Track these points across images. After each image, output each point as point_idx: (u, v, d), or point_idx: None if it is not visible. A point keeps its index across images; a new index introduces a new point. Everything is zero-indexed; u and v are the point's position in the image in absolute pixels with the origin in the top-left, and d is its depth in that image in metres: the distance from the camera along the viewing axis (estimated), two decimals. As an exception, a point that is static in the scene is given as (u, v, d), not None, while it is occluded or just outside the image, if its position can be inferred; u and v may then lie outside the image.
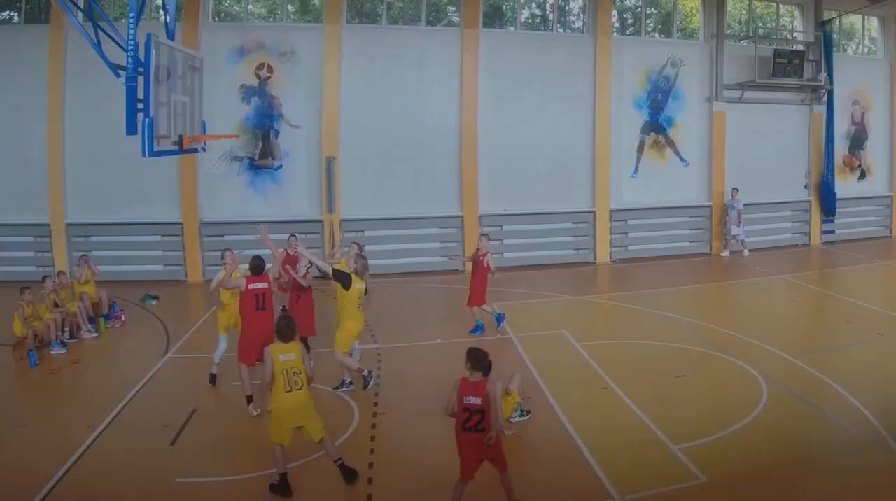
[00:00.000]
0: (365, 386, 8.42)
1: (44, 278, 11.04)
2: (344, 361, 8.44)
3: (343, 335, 8.39)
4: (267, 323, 7.62)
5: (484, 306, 10.72)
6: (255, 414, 7.68)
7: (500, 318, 10.80)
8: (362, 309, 8.47)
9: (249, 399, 7.83)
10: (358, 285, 8.25)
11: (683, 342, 10.28)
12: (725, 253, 17.51)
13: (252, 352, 7.65)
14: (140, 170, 13.84)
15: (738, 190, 17.33)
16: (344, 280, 8.23)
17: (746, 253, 17.36)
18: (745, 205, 18.09)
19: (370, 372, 8.56)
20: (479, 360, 5.56)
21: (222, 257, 9.59)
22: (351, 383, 8.56)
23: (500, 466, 5.68)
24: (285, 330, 6.22)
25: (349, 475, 6.26)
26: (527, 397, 8.19)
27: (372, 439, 7.20)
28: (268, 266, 8.36)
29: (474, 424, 5.50)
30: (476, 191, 16.15)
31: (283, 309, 10.37)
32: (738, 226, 17.22)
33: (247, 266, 8.33)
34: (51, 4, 14.29)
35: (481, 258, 10.66)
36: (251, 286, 7.88)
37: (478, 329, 10.77)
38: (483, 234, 11.74)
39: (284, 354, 6.08)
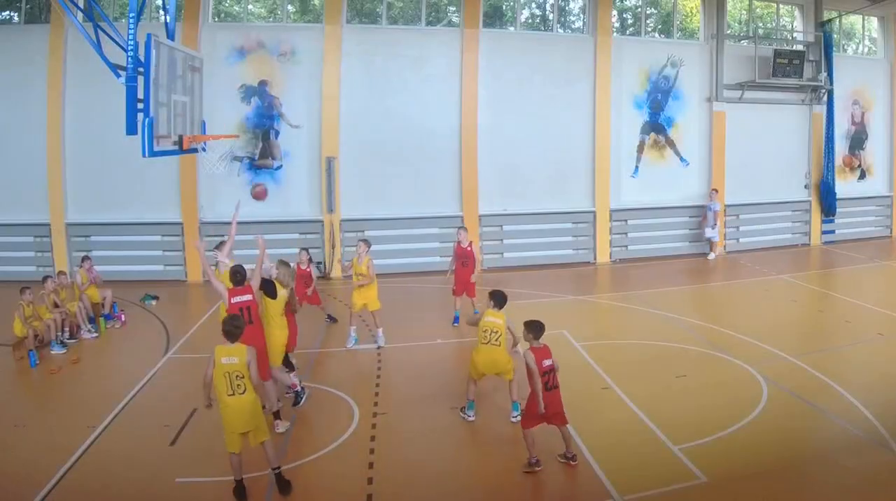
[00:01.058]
0: (295, 403, 7.93)
1: (44, 278, 11.05)
2: (279, 376, 7.81)
3: (274, 348, 7.71)
4: (258, 335, 7.26)
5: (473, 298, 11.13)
6: (281, 430, 7.34)
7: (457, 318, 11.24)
8: (285, 317, 7.91)
9: (276, 414, 7.48)
10: (282, 293, 7.76)
11: (683, 342, 10.29)
12: (712, 256, 17.26)
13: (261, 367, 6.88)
14: (140, 170, 13.89)
15: (717, 191, 17.18)
16: (269, 289, 7.69)
17: (713, 256, 17.13)
18: (743, 205, 18.19)
19: (303, 388, 8.07)
20: (539, 329, 6.49)
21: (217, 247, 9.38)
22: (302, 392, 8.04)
23: (562, 420, 6.56)
24: (231, 330, 6.02)
25: (283, 486, 6.10)
26: (527, 397, 8.19)
27: (372, 439, 7.20)
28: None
29: (553, 383, 6.43)
30: (476, 191, 16.16)
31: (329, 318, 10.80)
32: (713, 228, 16.98)
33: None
34: (51, 4, 14.30)
35: (469, 249, 11.01)
36: (234, 300, 7.29)
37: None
38: (461, 227, 12.05)
39: (227, 357, 5.91)
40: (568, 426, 6.62)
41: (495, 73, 16.24)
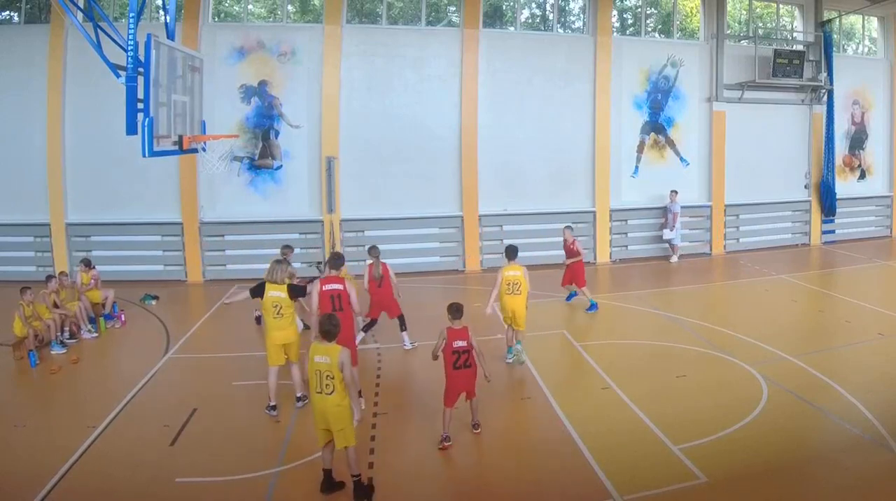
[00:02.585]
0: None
1: (47, 278, 11.05)
2: (269, 380, 7.87)
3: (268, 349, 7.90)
4: (346, 324, 7.37)
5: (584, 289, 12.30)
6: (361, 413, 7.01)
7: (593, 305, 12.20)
8: (280, 318, 7.70)
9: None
10: (271, 293, 7.65)
11: (683, 342, 10.29)
12: (674, 259, 16.95)
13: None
14: (140, 171, 13.93)
15: (676, 192, 16.84)
16: (259, 291, 7.78)
17: (675, 258, 16.89)
18: (743, 205, 18.18)
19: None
20: (458, 311, 7.09)
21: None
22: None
23: (472, 394, 7.15)
24: (329, 330, 5.98)
25: (361, 493, 6.00)
26: (527, 397, 8.21)
27: (372, 439, 7.20)
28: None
29: (462, 362, 6.92)
30: (476, 190, 16.16)
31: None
32: (672, 230, 16.73)
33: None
34: (51, 4, 14.29)
35: (573, 246, 12.39)
36: (325, 288, 7.82)
37: (592, 306, 12.15)
38: (567, 226, 13.02)
39: (321, 355, 5.91)
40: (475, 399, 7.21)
41: (495, 73, 16.25)
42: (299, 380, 7.89)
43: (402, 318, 10.29)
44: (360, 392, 7.07)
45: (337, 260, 8.26)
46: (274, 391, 7.84)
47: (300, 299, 8.11)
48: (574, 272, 12.34)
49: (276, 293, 7.64)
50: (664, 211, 17.05)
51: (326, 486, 6.11)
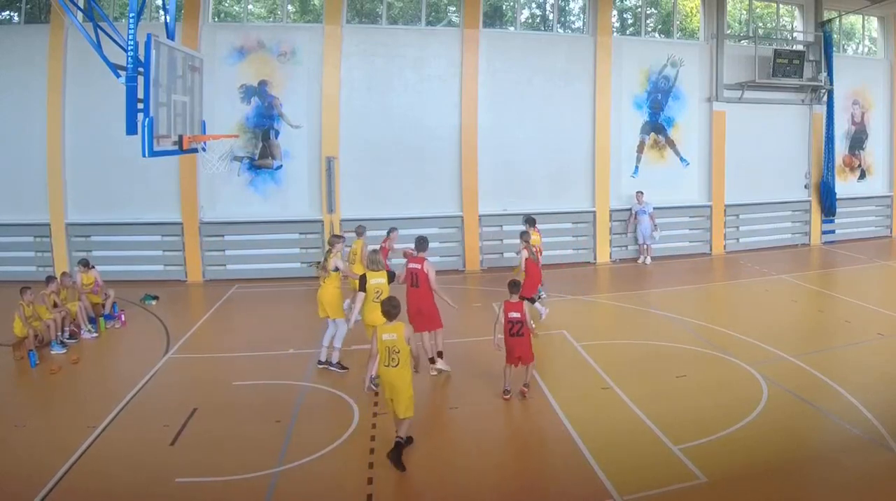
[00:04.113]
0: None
1: (47, 279, 11.04)
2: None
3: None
4: (424, 296, 8.89)
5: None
6: (434, 373, 8.87)
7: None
8: (378, 302, 8.35)
9: (431, 360, 8.98)
10: (373, 281, 8.57)
11: (683, 342, 10.29)
12: (645, 260, 16.78)
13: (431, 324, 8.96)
14: (140, 170, 13.92)
15: (643, 192, 16.73)
16: (363, 284, 8.66)
17: (648, 260, 16.74)
18: (743, 205, 18.18)
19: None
20: (515, 286, 8.22)
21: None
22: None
23: (527, 359, 8.13)
24: (390, 310, 6.76)
25: (397, 459, 6.54)
26: (527, 397, 8.21)
27: (372, 439, 7.20)
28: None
29: (516, 331, 7.97)
30: (476, 190, 16.16)
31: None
32: (656, 231, 16.57)
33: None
34: (51, 4, 14.30)
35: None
36: (410, 266, 9.04)
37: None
38: (527, 222, 12.72)
39: (388, 333, 6.65)
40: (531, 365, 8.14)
41: (495, 73, 16.25)
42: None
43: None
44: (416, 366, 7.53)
45: (422, 242, 9.26)
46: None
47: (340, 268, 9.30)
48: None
49: (378, 280, 8.56)
50: (635, 214, 16.75)
51: (396, 456, 6.64)
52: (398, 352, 6.61)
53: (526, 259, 11.07)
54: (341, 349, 9.32)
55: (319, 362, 9.36)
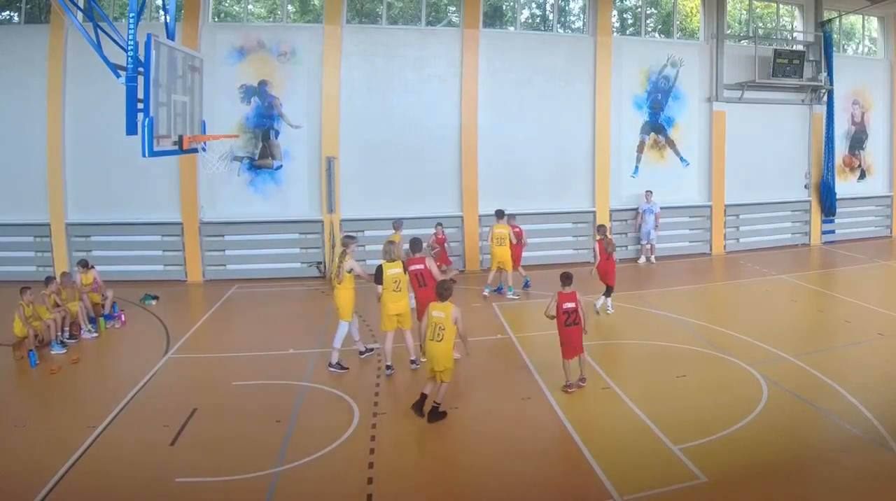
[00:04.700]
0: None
1: (47, 279, 11.04)
2: (386, 345, 9.28)
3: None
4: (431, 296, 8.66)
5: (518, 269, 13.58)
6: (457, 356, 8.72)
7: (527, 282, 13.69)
8: (398, 292, 8.99)
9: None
10: (390, 271, 8.94)
11: (683, 342, 10.29)
12: (643, 260, 16.88)
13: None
14: (140, 170, 13.91)
15: (651, 192, 16.81)
16: (379, 276, 9.01)
17: (653, 259, 16.83)
18: (743, 205, 18.19)
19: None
20: (568, 278, 8.43)
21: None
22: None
23: (580, 350, 8.33)
24: (442, 292, 7.69)
25: (436, 416, 7.52)
26: (527, 397, 8.22)
27: (372, 439, 7.20)
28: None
29: (572, 320, 8.18)
30: (476, 191, 16.16)
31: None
32: (656, 230, 16.69)
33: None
34: (51, 4, 14.29)
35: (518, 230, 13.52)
36: (411, 268, 9.31)
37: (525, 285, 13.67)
38: (503, 213, 13.60)
39: (437, 311, 7.58)
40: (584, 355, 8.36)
41: (495, 73, 16.25)
42: (413, 345, 9.18)
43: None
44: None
45: (417, 243, 9.64)
46: (390, 353, 9.11)
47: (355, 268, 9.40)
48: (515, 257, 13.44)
49: (395, 270, 8.94)
50: (642, 213, 16.81)
51: (418, 406, 7.66)
52: (443, 329, 7.48)
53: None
54: (340, 349, 9.34)
55: (361, 353, 9.71)
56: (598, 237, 12.20)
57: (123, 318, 11.89)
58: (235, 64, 15.21)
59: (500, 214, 13.31)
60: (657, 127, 17.55)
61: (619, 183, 17.19)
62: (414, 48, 15.96)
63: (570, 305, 8.23)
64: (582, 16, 17.67)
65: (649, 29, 18.34)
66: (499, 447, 7.13)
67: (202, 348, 10.59)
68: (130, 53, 7.80)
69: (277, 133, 15.49)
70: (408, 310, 9.13)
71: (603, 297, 11.96)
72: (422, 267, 9.36)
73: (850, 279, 15.15)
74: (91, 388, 8.96)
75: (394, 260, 8.99)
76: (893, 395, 8.00)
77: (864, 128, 19.75)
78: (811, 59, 18.30)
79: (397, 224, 13.17)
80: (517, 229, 13.51)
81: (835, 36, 18.86)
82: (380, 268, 8.96)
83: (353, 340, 9.62)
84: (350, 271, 9.26)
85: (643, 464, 6.53)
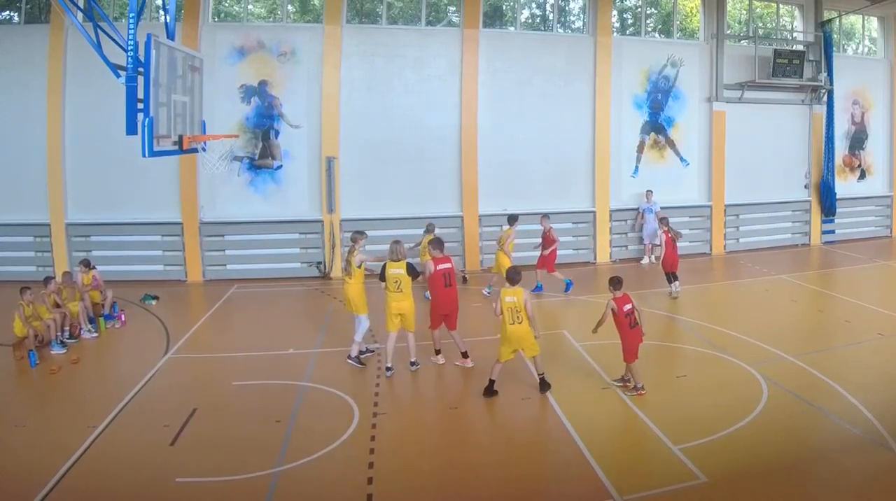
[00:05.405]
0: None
1: (46, 279, 11.04)
2: (388, 344, 9.31)
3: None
4: (453, 296, 9.32)
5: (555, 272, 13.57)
6: (442, 362, 9.37)
7: (568, 284, 13.58)
8: (399, 292, 9.04)
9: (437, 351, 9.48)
10: (392, 271, 9.01)
11: (683, 342, 10.29)
12: (646, 261, 16.84)
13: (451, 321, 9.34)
14: (140, 170, 13.91)
15: (652, 191, 16.80)
16: (382, 273, 9.16)
17: (654, 259, 16.58)
18: (743, 205, 18.20)
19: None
20: (620, 282, 8.42)
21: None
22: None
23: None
24: (513, 277, 8.16)
25: (545, 386, 8.16)
26: (527, 397, 8.22)
27: (372, 439, 7.20)
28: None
29: (634, 321, 8.25)
30: (476, 190, 16.16)
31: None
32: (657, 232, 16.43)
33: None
34: (51, 4, 14.29)
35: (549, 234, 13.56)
36: (438, 267, 9.22)
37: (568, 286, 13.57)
38: (545, 215, 13.92)
39: (510, 296, 7.96)
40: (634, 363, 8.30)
41: (495, 73, 16.25)
42: (413, 346, 9.26)
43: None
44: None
45: (440, 243, 9.60)
46: (391, 354, 9.14)
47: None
48: (546, 259, 13.62)
49: (397, 270, 8.95)
50: (643, 212, 16.83)
51: (489, 390, 8.14)
52: (519, 311, 7.90)
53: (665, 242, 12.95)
54: (360, 343, 9.48)
55: (349, 357, 9.54)
56: (663, 228, 12.98)
57: (123, 318, 11.89)
58: (235, 64, 15.21)
59: (512, 219, 13.52)
60: (657, 127, 17.55)
61: (619, 183, 17.19)
62: (414, 48, 15.96)
63: (629, 306, 8.28)
64: (582, 16, 17.67)
65: (649, 29, 18.34)
66: (499, 447, 7.14)
67: (202, 348, 10.60)
68: (130, 53, 7.81)
69: (277, 133, 15.49)
70: (411, 311, 9.07)
71: (674, 283, 13.11)
72: (449, 265, 9.30)
73: (850, 279, 15.15)
74: (91, 388, 8.96)
75: (398, 260, 8.98)
76: (893, 395, 8.01)
77: (864, 128, 19.75)
78: (811, 59, 18.30)
79: (431, 226, 13.55)
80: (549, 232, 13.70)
81: (835, 36, 18.86)
82: (384, 267, 9.04)
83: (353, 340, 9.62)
84: (360, 265, 9.35)
85: (643, 464, 6.54)
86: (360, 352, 9.65)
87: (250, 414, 7.87)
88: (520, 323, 7.93)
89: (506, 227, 13.48)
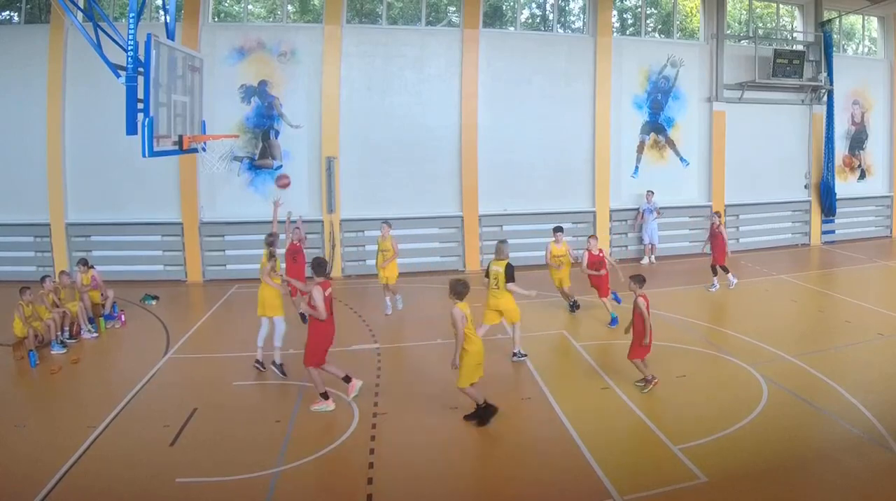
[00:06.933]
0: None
1: (42, 278, 11.03)
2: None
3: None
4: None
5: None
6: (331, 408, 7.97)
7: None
8: (497, 289, 9.37)
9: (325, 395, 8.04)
10: (492, 268, 9.43)
11: (683, 342, 10.29)
12: (646, 261, 16.91)
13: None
14: (140, 170, 13.92)
15: (653, 192, 16.84)
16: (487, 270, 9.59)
17: (654, 259, 16.86)
18: (743, 205, 18.21)
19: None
20: (643, 280, 8.50)
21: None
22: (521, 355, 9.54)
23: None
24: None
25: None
26: (527, 397, 8.22)
27: (372, 439, 7.20)
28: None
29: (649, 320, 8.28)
30: (476, 190, 16.16)
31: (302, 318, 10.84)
32: (657, 230, 16.76)
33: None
34: (51, 4, 14.30)
35: (601, 256, 12.04)
36: (327, 292, 8.01)
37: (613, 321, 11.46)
38: (592, 236, 12.60)
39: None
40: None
41: (495, 73, 16.26)
42: (518, 338, 9.48)
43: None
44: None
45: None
46: (518, 341, 9.47)
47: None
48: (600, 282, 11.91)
49: (497, 268, 9.35)
50: (643, 212, 16.86)
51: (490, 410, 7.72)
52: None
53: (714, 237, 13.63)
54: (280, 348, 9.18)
55: (258, 363, 9.26)
56: (717, 223, 13.65)
57: (123, 318, 11.89)
58: (235, 64, 15.21)
59: (557, 230, 12.31)
60: (657, 127, 17.55)
61: (619, 183, 17.20)
62: (414, 48, 15.97)
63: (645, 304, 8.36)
64: (582, 16, 17.67)
65: (649, 29, 18.34)
66: (499, 447, 7.14)
67: (202, 348, 10.60)
68: (130, 53, 7.81)
69: (277, 133, 15.49)
70: (507, 307, 9.38)
71: (729, 276, 13.72)
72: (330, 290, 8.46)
73: (850, 279, 15.15)
74: (91, 388, 8.96)
75: (501, 260, 9.36)
76: (893, 395, 8.01)
77: (863, 128, 19.75)
78: (811, 59, 18.31)
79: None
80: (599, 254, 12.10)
81: (835, 36, 18.86)
82: (489, 265, 9.52)
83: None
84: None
85: (643, 464, 6.53)
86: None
87: (250, 413, 7.88)
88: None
89: (553, 241, 12.15)
